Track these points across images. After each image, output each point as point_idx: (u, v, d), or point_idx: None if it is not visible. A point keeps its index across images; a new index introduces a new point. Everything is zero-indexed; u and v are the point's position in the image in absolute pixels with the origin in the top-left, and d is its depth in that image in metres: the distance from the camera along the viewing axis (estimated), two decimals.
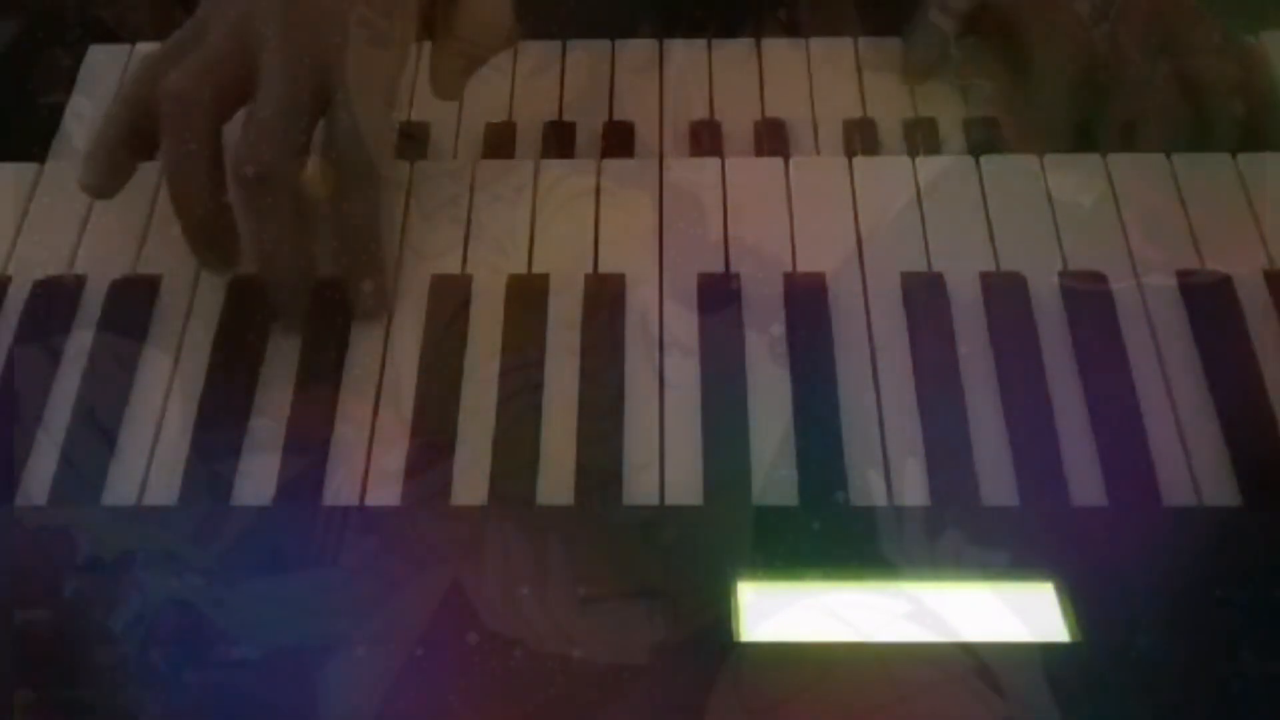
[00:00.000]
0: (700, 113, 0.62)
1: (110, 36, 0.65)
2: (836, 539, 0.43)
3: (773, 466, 0.47)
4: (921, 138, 0.59)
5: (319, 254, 0.51)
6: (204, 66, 0.50)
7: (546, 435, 0.48)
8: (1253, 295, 0.50)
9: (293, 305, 0.50)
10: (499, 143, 0.60)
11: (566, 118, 0.62)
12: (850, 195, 0.54)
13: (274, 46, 0.50)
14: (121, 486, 0.47)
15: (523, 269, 0.52)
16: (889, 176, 0.55)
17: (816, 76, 0.63)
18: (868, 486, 0.46)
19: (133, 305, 0.51)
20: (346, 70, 0.49)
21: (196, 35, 0.52)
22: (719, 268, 0.52)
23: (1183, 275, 0.51)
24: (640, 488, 0.46)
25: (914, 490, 0.46)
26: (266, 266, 0.50)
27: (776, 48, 0.64)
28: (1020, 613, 0.41)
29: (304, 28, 0.50)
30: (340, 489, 0.47)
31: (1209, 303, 0.50)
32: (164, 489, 0.47)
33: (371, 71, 0.50)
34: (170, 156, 0.50)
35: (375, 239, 0.51)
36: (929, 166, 0.55)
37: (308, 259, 0.51)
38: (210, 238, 0.51)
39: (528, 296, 0.51)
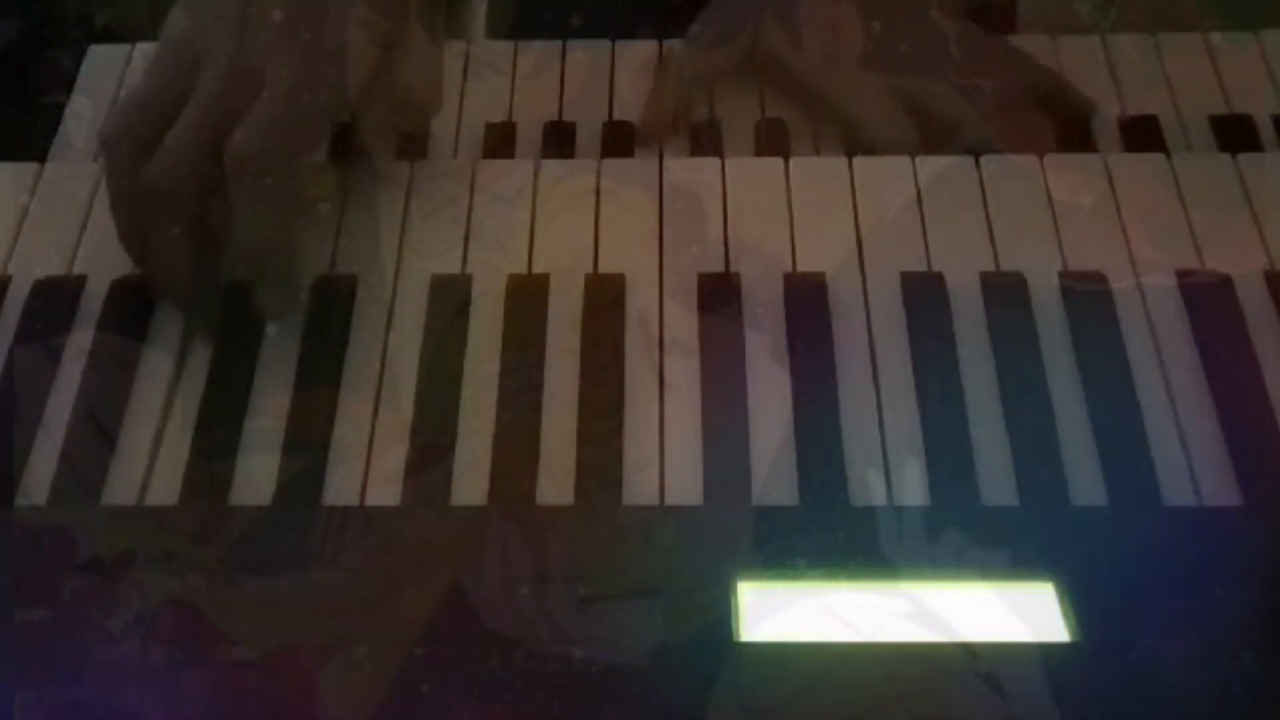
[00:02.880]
0: (699, 113, 0.62)
1: (110, 36, 0.65)
2: (836, 539, 0.43)
3: (773, 466, 0.47)
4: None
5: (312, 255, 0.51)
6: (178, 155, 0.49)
7: (546, 435, 0.48)
8: (1253, 295, 0.50)
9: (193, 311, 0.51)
10: (499, 143, 0.60)
11: (566, 118, 0.62)
12: (850, 195, 0.54)
13: (212, 67, 0.50)
14: (121, 486, 0.47)
15: (523, 269, 0.52)
16: (889, 176, 0.55)
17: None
18: (868, 486, 0.46)
19: (133, 305, 0.51)
20: (278, 78, 0.49)
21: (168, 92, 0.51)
22: (719, 268, 0.52)
23: (1183, 275, 0.51)
24: (640, 488, 0.46)
25: (914, 490, 0.46)
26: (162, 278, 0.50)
27: None
28: (1020, 613, 0.41)
29: (245, 47, 0.50)
30: (340, 489, 0.47)
31: (1209, 303, 0.50)
32: (164, 489, 0.47)
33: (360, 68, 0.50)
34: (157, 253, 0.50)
35: (286, 246, 0.51)
36: (929, 166, 0.55)
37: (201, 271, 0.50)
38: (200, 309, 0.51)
39: (528, 296, 0.51)
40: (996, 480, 0.46)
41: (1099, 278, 0.51)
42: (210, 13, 0.51)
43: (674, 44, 0.64)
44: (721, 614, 0.41)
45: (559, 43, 0.65)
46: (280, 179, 0.49)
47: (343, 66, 0.50)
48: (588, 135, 0.61)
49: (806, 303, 0.51)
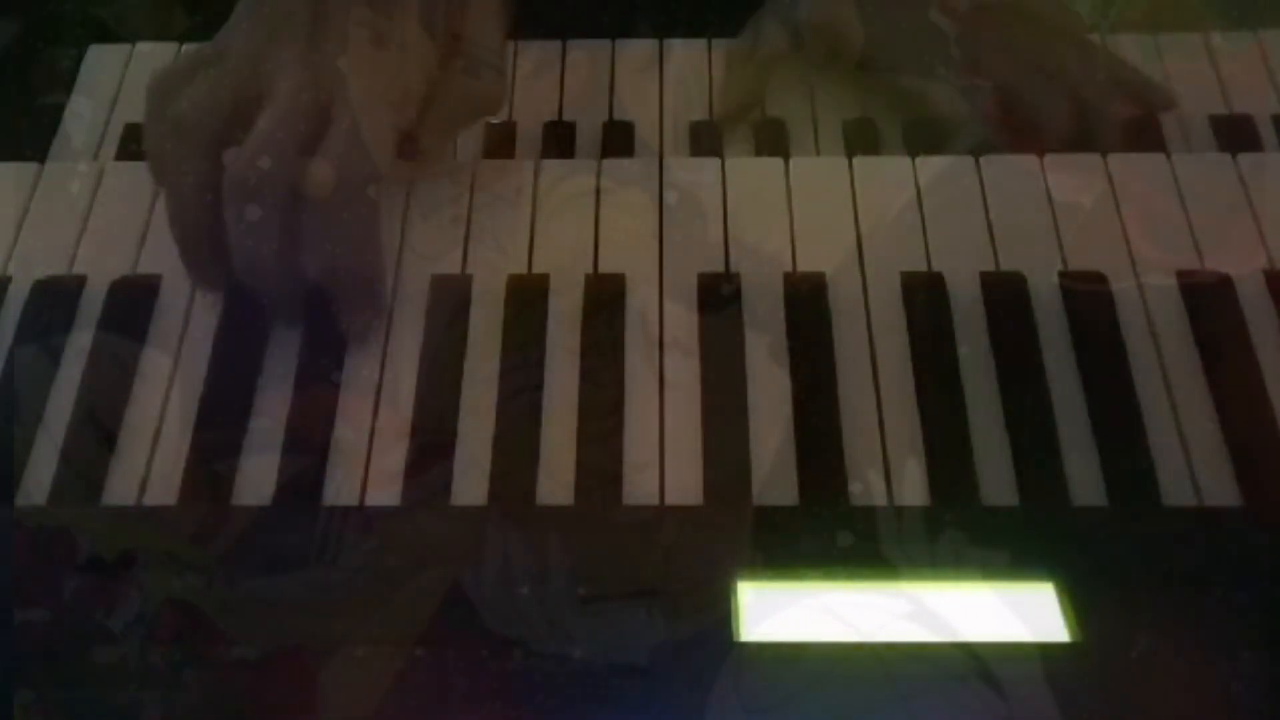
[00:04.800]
0: (700, 113, 0.62)
1: (110, 36, 0.65)
2: (836, 539, 0.43)
3: (773, 466, 0.47)
4: (921, 138, 0.59)
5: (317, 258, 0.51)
6: (211, 94, 0.49)
7: (546, 435, 0.48)
8: (1253, 295, 0.50)
9: (288, 313, 0.50)
10: (499, 143, 0.60)
11: (566, 118, 0.62)
12: (850, 195, 0.54)
13: (288, 67, 0.49)
14: (121, 486, 0.47)
15: (523, 269, 0.52)
16: (889, 176, 0.55)
17: (816, 76, 0.63)
18: (868, 486, 0.46)
19: (133, 305, 0.51)
20: (352, 83, 0.49)
21: (216, 55, 0.51)
22: (719, 268, 0.52)
23: (1183, 275, 0.51)
24: (640, 488, 0.46)
25: (914, 490, 0.46)
26: (253, 275, 0.50)
27: None
28: (1020, 613, 0.41)
29: (317, 47, 0.49)
30: (340, 489, 0.47)
31: (1209, 303, 0.50)
32: (164, 489, 0.47)
33: (373, 74, 0.50)
34: (170, 184, 0.50)
35: (374, 250, 0.50)
36: (929, 166, 0.55)
37: (296, 268, 0.50)
38: (206, 261, 0.51)
39: (528, 296, 0.51)
40: (996, 480, 0.46)
41: (1099, 278, 0.51)
42: (277, 21, 0.50)
43: (674, 44, 0.64)
44: (721, 614, 0.41)
45: (559, 43, 0.65)
46: (361, 194, 0.49)
47: (406, 73, 0.51)
48: (588, 135, 0.61)
49: (806, 303, 0.51)
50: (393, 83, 0.51)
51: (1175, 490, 0.46)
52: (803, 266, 0.52)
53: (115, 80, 0.63)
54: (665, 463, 0.47)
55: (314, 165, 0.48)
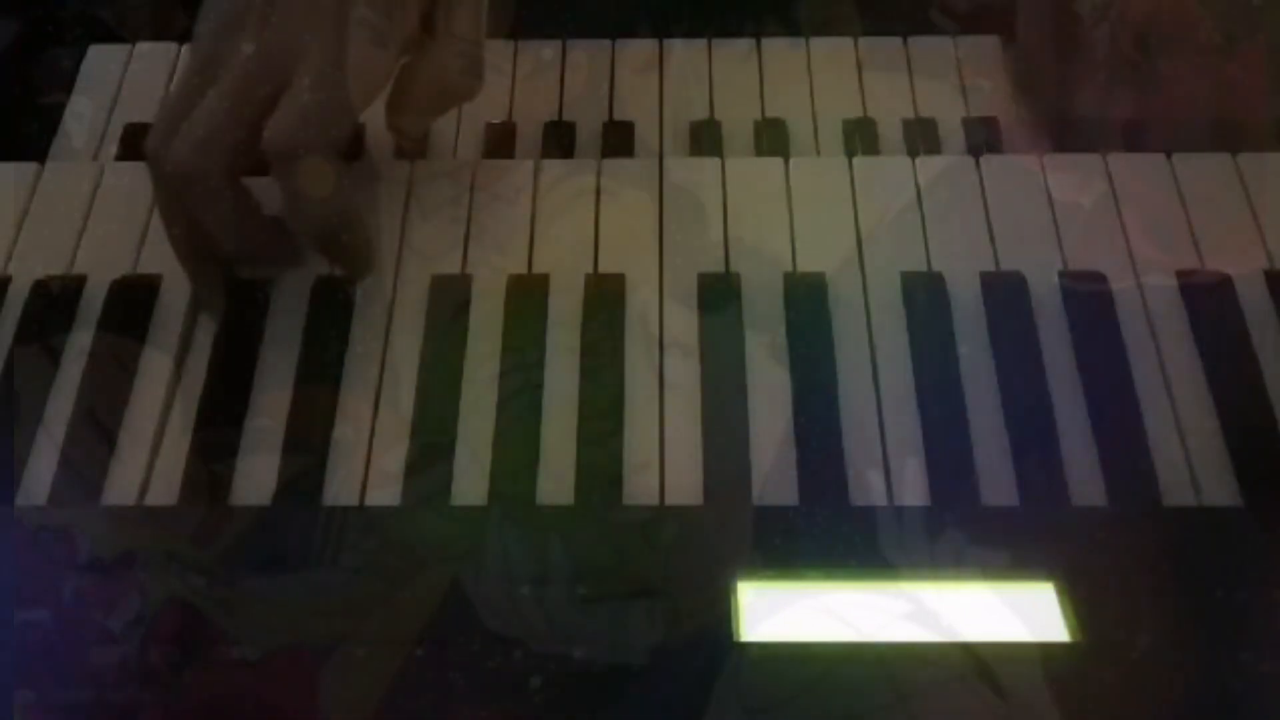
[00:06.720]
0: (700, 113, 0.62)
1: (110, 36, 0.65)
2: (836, 539, 0.43)
3: (773, 466, 0.47)
4: (921, 138, 0.59)
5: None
6: (194, 99, 0.49)
7: (546, 435, 0.48)
8: (1253, 295, 0.50)
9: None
10: (499, 143, 0.60)
11: (566, 118, 0.62)
12: (850, 195, 0.54)
13: (242, 48, 0.49)
14: (121, 486, 0.47)
15: (523, 269, 0.52)
16: (889, 176, 0.55)
17: (816, 76, 0.63)
18: (868, 486, 0.46)
19: (133, 305, 0.51)
20: (310, 63, 0.48)
21: (200, 73, 0.51)
22: (719, 268, 0.52)
23: (1183, 275, 0.51)
24: (640, 488, 0.46)
25: (914, 490, 0.46)
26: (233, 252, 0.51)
27: (776, 48, 0.64)
28: (1020, 613, 0.41)
29: (275, 28, 0.49)
30: (340, 489, 0.47)
31: (1209, 303, 0.50)
32: (164, 489, 0.47)
33: (363, 70, 0.50)
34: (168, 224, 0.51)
35: (348, 216, 0.51)
36: (929, 166, 0.55)
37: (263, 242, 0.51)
38: (208, 280, 0.52)
39: (528, 296, 0.51)
40: (996, 480, 0.46)
41: (1099, 278, 0.51)
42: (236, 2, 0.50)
43: (674, 44, 0.64)
44: (721, 614, 0.41)
45: (559, 43, 0.65)
46: (325, 159, 0.48)
47: (374, 50, 0.50)
48: (588, 135, 0.61)
49: (806, 303, 0.51)
50: (363, 55, 0.50)
51: (1175, 490, 0.46)
52: (803, 266, 0.52)
53: (115, 80, 0.63)
54: (665, 463, 0.47)
55: (266, 131, 0.48)
